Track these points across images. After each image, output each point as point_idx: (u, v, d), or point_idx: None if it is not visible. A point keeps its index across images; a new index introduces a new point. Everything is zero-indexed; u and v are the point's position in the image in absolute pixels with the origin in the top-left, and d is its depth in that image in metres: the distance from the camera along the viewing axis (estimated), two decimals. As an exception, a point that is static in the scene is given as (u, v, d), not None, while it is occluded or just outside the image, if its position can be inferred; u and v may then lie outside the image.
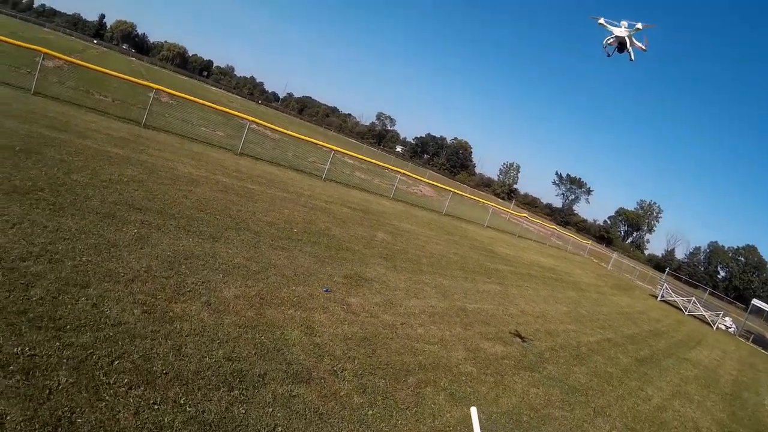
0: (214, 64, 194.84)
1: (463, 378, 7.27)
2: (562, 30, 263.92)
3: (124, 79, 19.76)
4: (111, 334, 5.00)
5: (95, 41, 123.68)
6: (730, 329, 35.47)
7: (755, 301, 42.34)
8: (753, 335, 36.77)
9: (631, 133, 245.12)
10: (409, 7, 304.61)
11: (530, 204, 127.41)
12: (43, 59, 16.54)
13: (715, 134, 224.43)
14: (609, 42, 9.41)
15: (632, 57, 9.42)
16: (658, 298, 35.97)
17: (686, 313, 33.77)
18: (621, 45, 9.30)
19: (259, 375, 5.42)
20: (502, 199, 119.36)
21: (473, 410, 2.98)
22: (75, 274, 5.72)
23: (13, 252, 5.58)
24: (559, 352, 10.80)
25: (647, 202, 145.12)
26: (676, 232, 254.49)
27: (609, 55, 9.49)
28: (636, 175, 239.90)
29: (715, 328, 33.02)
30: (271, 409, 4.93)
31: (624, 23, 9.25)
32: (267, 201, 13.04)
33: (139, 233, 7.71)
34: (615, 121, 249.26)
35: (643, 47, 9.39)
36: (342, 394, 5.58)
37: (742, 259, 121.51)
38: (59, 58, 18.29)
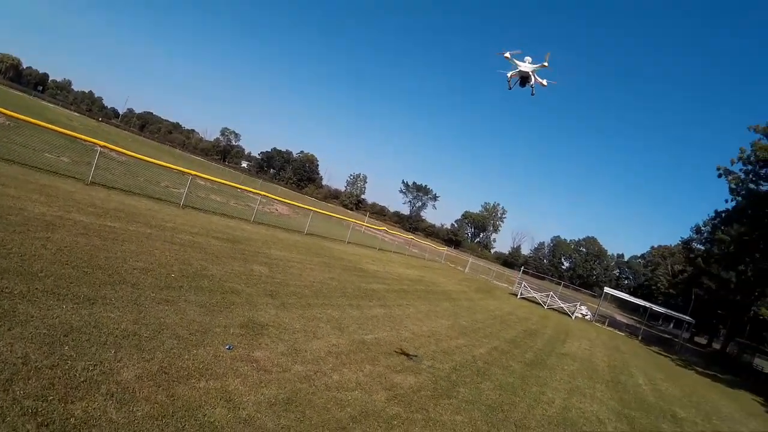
0: (50, 78, 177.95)
1: (396, 422, 7.26)
2: (399, 32, 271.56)
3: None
4: None
5: None
6: (586, 317, 39.02)
7: (607, 289, 47.41)
8: (607, 319, 40.54)
9: (474, 138, 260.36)
10: (252, 24, 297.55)
11: (379, 213, 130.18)
12: None
13: (551, 134, 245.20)
14: (512, 75, 9.53)
15: (533, 92, 9.70)
16: (518, 296, 38.51)
17: (545, 306, 36.66)
18: (524, 79, 9.49)
19: None
20: (350, 209, 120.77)
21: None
22: None
23: None
24: (463, 372, 11.30)
25: (491, 204, 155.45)
26: (521, 230, 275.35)
27: (510, 88, 9.68)
28: (479, 180, 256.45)
29: (573, 317, 36.09)
30: None
31: (528, 59, 9.44)
32: (133, 241, 11.61)
33: (2, 307, 6.18)
34: (456, 127, 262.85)
35: (545, 83, 9.59)
36: None
37: (584, 249, 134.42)
38: None
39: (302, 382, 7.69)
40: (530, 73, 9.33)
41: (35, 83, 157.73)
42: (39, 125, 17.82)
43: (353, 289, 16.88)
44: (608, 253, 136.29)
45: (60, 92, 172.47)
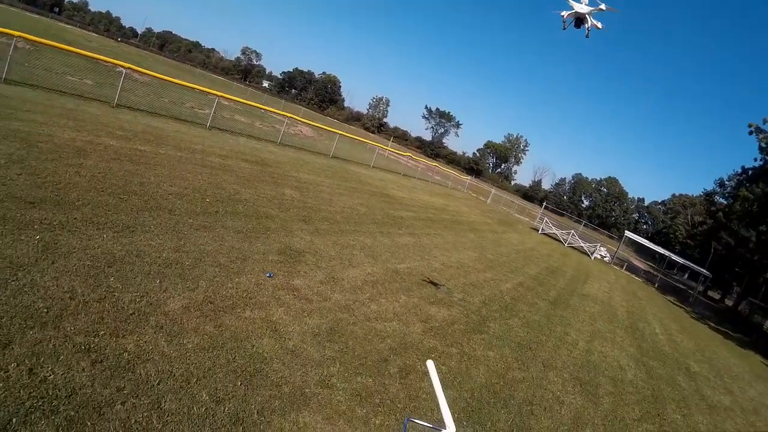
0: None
1: (433, 355, 7.22)
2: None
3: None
4: (72, 413, 3.73)
5: None
6: (605, 258, 38.72)
7: (628, 233, 46.62)
8: (625, 263, 40.30)
9: (499, 67, 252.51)
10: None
11: (401, 137, 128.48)
12: None
13: (580, 69, 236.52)
14: (567, 15, 9.11)
15: (588, 34, 9.26)
16: (540, 232, 38.20)
17: (566, 244, 36.33)
18: (579, 20, 9.09)
19: (258, 413, 4.62)
20: (372, 133, 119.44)
21: (429, 363, 2.74)
22: None
23: None
24: (492, 306, 11.29)
25: (514, 136, 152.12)
26: (543, 164, 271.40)
27: (564, 28, 9.21)
28: (504, 110, 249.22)
29: (592, 257, 35.74)
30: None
31: (586, 0, 8.95)
32: (165, 166, 11.44)
33: (44, 239, 5.99)
34: (483, 54, 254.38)
35: (600, 26, 9.15)
36: (343, 409, 5.17)
37: (605, 189, 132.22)
38: None
39: (342, 311, 7.68)
40: (586, 15, 8.90)
41: (51, 5, 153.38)
42: (59, 48, 17.27)
43: (382, 216, 16.77)
44: (629, 196, 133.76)
45: (77, 13, 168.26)
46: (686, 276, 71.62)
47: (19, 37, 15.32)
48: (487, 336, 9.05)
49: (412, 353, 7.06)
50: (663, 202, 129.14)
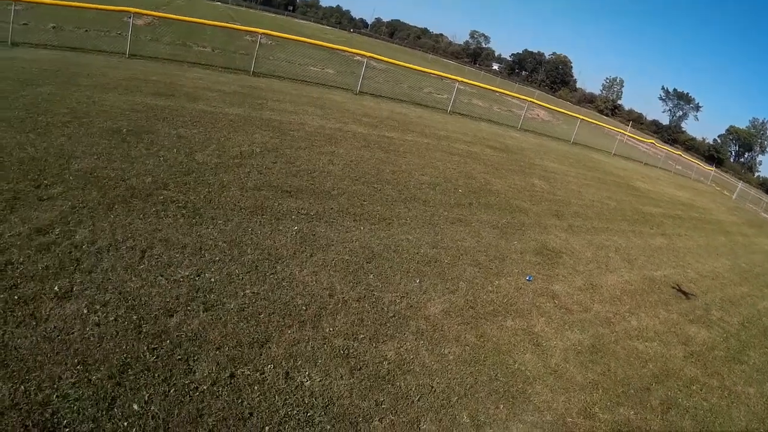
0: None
1: (694, 387, 6.43)
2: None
3: (221, 26, 18.79)
4: (328, 427, 3.55)
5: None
6: None
7: None
8: None
9: (743, 44, 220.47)
10: None
11: (636, 120, 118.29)
12: (132, 18, 14.79)
13: None
14: None
15: None
16: None
17: None
18: None
19: None
20: (606, 115, 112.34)
21: None
22: (244, 327, 4.17)
23: (152, 306, 3.99)
24: (750, 330, 9.77)
25: (760, 121, 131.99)
26: None
27: None
28: (749, 91, 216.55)
29: None
30: None
31: None
32: (413, 153, 11.47)
33: (301, 231, 6.08)
34: (724, 30, 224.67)
35: None
36: None
37: None
38: (148, 15, 16.85)
39: (603, 325, 7.00)
40: None
41: (286, 4, 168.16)
42: (299, 40, 18.37)
43: (631, 211, 15.44)
44: None
45: (309, 9, 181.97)
46: None
47: (263, 33, 16.47)
48: (747, 367, 7.84)
49: (673, 383, 6.31)
50: None
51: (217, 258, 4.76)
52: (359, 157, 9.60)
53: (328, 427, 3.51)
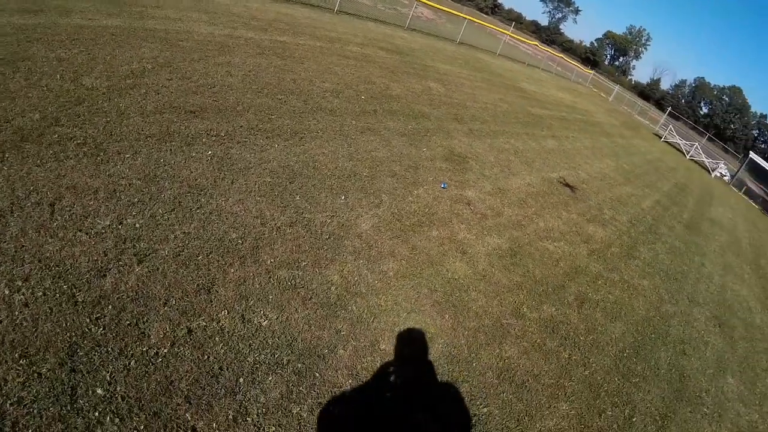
0: None
1: (600, 282, 7.21)
2: None
3: None
4: (299, 365, 3.63)
5: None
6: (725, 177, 35.36)
7: (753, 156, 41.24)
8: (744, 186, 36.46)
9: None
10: None
11: (515, 20, 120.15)
12: None
13: None
14: None
15: None
16: (662, 139, 35.59)
17: (687, 156, 33.70)
18: None
19: (468, 349, 4.52)
20: (486, 14, 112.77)
21: None
22: (185, 273, 3.80)
23: (80, 269, 3.43)
24: (638, 227, 10.89)
25: (637, 28, 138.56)
26: (664, 63, 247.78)
27: None
28: None
29: (712, 176, 32.94)
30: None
31: None
32: (309, 58, 10.94)
33: (215, 155, 5.58)
34: None
35: None
36: (537, 341, 5.12)
37: (727, 98, 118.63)
38: None
39: (515, 228, 7.47)
40: None
41: None
42: None
43: (523, 114, 16.22)
44: (751, 110, 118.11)
45: None
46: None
47: None
48: (640, 262, 8.84)
49: (582, 279, 7.02)
50: None
51: (136, 199, 4.24)
52: (257, 66, 8.97)
53: (299, 365, 3.46)
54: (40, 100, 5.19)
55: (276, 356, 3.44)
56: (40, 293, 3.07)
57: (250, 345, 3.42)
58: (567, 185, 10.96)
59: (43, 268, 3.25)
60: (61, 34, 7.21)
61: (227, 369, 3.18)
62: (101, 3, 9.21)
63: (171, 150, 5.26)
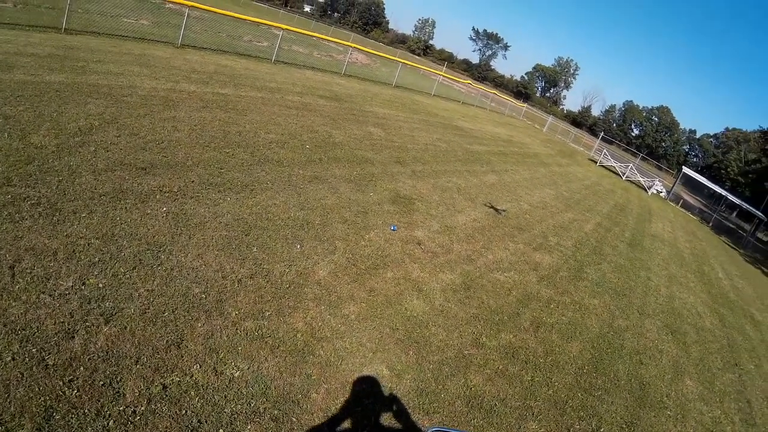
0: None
1: (552, 306, 7.48)
2: None
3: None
4: (275, 412, 3.62)
5: None
6: (661, 194, 37.04)
7: (686, 170, 43.64)
8: (681, 200, 38.39)
9: None
10: None
11: (447, 59, 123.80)
12: None
13: None
14: None
15: None
16: (598, 164, 37.07)
17: (623, 177, 35.25)
18: None
19: (435, 381, 4.66)
20: (418, 55, 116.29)
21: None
22: (153, 330, 3.83)
23: (47, 331, 3.42)
24: (583, 250, 11.27)
25: (565, 59, 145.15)
26: (593, 90, 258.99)
27: None
28: (554, 32, 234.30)
29: (649, 192, 34.39)
30: None
31: None
32: (252, 110, 11.15)
33: (170, 211, 5.63)
34: None
35: None
36: (499, 368, 5.30)
37: (656, 118, 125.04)
38: None
39: (466, 263, 7.70)
40: None
41: None
42: None
43: (461, 152, 16.66)
44: (680, 127, 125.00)
45: None
46: (734, 214, 67.85)
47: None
48: (589, 283, 9.14)
49: (535, 304, 7.26)
50: (715, 135, 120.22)
51: (96, 258, 4.25)
52: (202, 120, 9.07)
53: (276, 412, 3.52)
54: (-10, 160, 5.18)
55: (252, 405, 3.49)
56: (9, 358, 3.06)
57: (225, 396, 3.47)
58: (489, 206, 11.42)
59: (9, 332, 3.25)
60: (5, 90, 7.19)
61: (206, 422, 3.22)
62: (42, 58, 9.22)
63: (126, 208, 5.30)
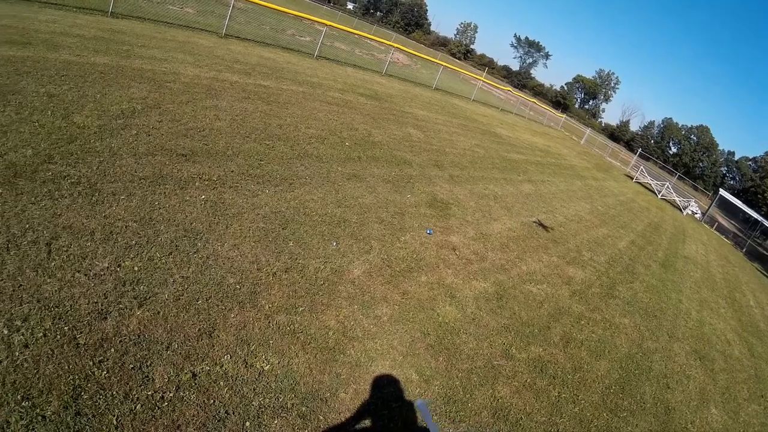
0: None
1: (583, 322, 7.34)
2: None
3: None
4: (303, 409, 3.58)
5: None
6: (696, 215, 36.02)
7: (723, 192, 42.46)
8: (716, 223, 37.37)
9: None
10: None
11: (487, 65, 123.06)
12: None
13: (681, 9, 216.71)
14: None
15: None
16: (634, 180, 36.24)
17: (659, 196, 34.39)
18: None
19: (463, 390, 4.57)
20: (458, 59, 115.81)
21: (419, 403, 2.37)
22: (186, 318, 3.81)
23: (80, 310, 3.40)
24: (616, 267, 11.05)
25: (606, 72, 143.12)
26: (633, 104, 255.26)
27: None
28: (596, 43, 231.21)
29: (684, 213, 33.52)
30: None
31: None
32: (293, 103, 11.15)
33: (209, 199, 5.64)
34: None
35: None
36: (537, 387, 5.17)
37: (694, 137, 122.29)
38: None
39: (499, 272, 7.57)
40: None
41: None
42: None
43: (499, 159, 16.44)
44: (718, 148, 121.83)
45: None
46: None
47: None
48: (620, 301, 9.00)
49: (566, 319, 7.15)
50: (754, 159, 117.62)
51: (133, 242, 4.25)
52: (243, 111, 9.10)
53: (303, 408, 3.48)
54: (32, 135, 5.21)
55: (280, 400, 3.45)
56: (41, 334, 3.05)
57: (254, 389, 3.42)
58: (538, 222, 11.27)
59: (42, 308, 3.24)
60: (50, 69, 7.27)
61: (233, 413, 3.17)
62: (88, 39, 9.31)
63: (165, 193, 5.30)
